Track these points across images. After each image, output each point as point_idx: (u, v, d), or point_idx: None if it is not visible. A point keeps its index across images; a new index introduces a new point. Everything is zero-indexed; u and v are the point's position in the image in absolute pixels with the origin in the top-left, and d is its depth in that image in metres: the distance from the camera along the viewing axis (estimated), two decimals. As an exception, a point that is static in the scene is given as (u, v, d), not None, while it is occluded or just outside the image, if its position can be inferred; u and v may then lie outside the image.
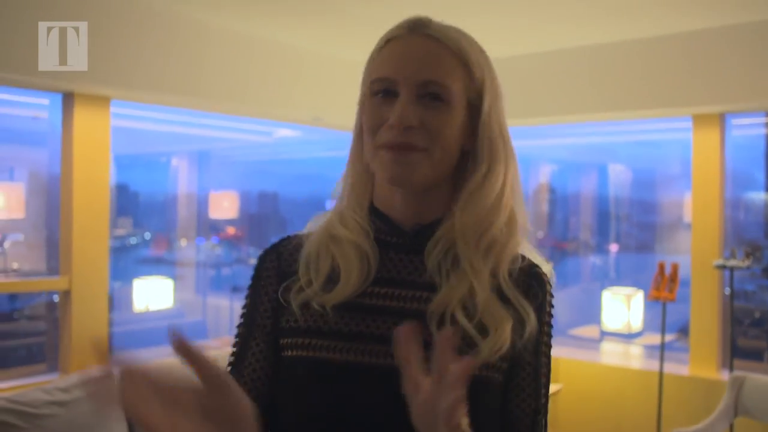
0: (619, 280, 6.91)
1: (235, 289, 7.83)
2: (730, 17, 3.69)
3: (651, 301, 4.22)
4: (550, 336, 1.06)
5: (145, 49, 3.59)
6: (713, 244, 4.01)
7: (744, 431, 3.65)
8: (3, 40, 3.09)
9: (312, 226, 1.09)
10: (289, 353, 1.00)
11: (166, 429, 0.68)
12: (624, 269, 7.22)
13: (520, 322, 0.99)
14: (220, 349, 3.86)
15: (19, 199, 4.04)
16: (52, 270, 3.71)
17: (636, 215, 7.35)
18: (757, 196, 6.86)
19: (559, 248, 7.19)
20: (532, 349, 1.02)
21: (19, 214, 4.09)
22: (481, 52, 1.05)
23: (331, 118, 4.62)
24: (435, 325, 0.96)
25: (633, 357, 4.78)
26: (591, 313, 5.13)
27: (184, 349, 0.72)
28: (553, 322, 1.07)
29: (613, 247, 7.17)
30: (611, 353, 4.76)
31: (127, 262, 7.44)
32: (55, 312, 3.75)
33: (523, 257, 1.06)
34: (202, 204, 6.71)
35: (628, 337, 4.72)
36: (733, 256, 3.83)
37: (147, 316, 5.29)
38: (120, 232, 7.35)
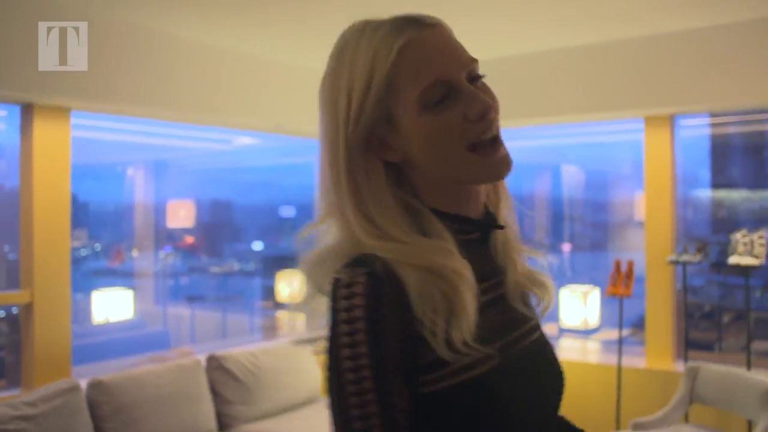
0: (575, 279, 7.07)
1: (190, 299, 7.77)
2: (679, 24, 3.84)
3: (607, 298, 4.35)
4: None
5: (105, 59, 3.56)
6: (666, 241, 4.16)
7: (699, 417, 3.80)
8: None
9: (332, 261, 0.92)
10: (442, 385, 0.86)
11: None
12: (578, 268, 7.38)
13: (547, 275, 1.09)
14: (183, 359, 3.86)
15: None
16: (12, 284, 3.67)
17: (589, 215, 7.52)
18: (703, 194, 7.11)
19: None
20: None
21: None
22: None
23: (292, 124, 4.65)
24: (518, 301, 1.01)
25: (591, 352, 4.91)
26: (548, 310, 5.24)
27: None
28: None
29: (566, 247, 7.32)
30: (570, 349, 4.88)
31: (81, 274, 7.32)
32: (15, 326, 3.70)
33: None
34: (159, 213, 6.66)
35: (585, 333, 4.85)
36: (685, 251, 3.98)
37: (108, 327, 5.23)
38: (74, 243, 7.24)
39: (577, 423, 1.13)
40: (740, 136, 7.84)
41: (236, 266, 8.90)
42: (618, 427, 4.06)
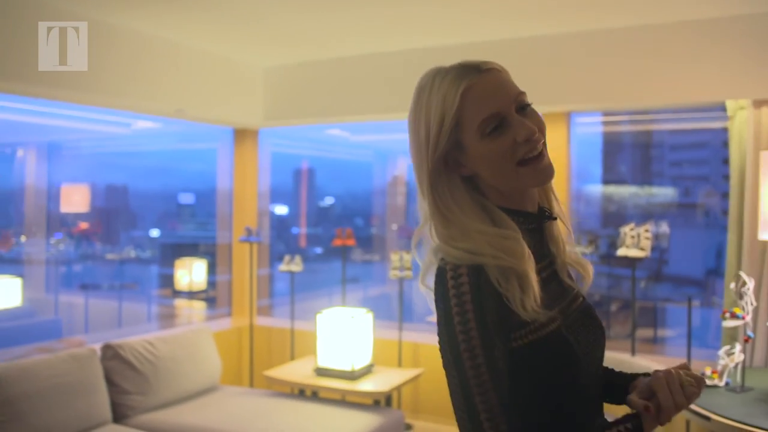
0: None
1: (84, 287, 7.49)
2: (579, 24, 4.00)
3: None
4: None
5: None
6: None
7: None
8: None
9: (432, 261, 1.22)
10: (527, 339, 1.15)
11: None
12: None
13: (586, 259, 1.39)
14: (76, 348, 3.73)
15: None
16: None
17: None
18: (595, 189, 7.44)
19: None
20: None
21: None
22: None
23: (195, 110, 4.56)
24: (565, 276, 1.31)
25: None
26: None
27: None
28: None
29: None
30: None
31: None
32: None
33: None
34: (51, 198, 6.38)
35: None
36: (578, 243, 4.16)
37: (-6, 316, 4.99)
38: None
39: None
40: (630, 135, 8.23)
41: (132, 253, 8.64)
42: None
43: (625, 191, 8.24)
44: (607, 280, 6.61)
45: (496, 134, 1.18)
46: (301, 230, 10.28)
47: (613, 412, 1.36)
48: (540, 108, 1.26)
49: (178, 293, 6.58)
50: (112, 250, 8.53)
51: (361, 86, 4.77)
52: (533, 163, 1.20)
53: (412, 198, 7.84)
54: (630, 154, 8.91)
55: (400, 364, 4.65)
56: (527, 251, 1.18)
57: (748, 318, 3.14)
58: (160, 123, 5.71)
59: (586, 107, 4.30)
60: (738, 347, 3.21)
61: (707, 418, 2.81)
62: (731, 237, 3.80)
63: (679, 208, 8.61)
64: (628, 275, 4.52)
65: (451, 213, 1.21)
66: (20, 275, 5.72)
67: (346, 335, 4.07)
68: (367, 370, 4.16)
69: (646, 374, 1.32)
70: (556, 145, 4.30)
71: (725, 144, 3.93)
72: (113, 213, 9.46)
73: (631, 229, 3.98)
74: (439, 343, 1.16)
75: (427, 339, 4.75)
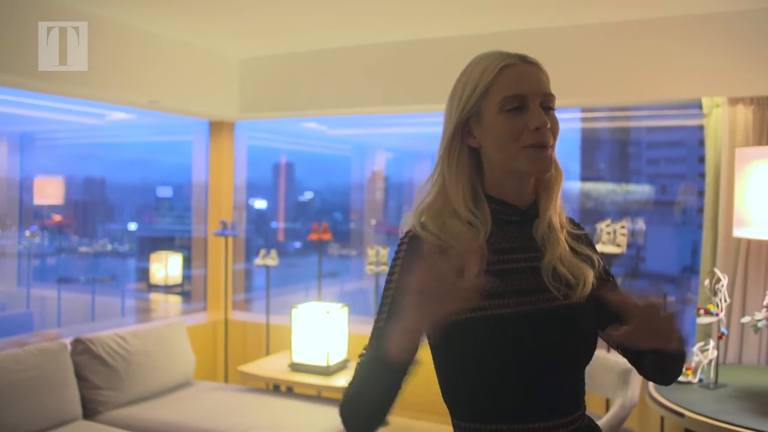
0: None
1: (62, 280, 7.39)
2: (550, 21, 3.99)
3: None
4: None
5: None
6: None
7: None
8: None
9: (408, 223, 1.34)
10: (461, 317, 1.22)
11: None
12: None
13: (590, 264, 1.38)
14: (46, 342, 3.67)
15: None
16: None
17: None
18: (573, 186, 7.47)
19: (393, 234, 7.43)
20: (603, 271, 1.43)
21: None
22: None
23: (169, 102, 4.49)
24: (546, 275, 1.32)
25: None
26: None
27: None
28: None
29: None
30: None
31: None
32: None
33: (570, 221, 1.44)
34: (24, 190, 6.28)
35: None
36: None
37: (-38, 310, 4.90)
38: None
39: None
40: (608, 132, 8.27)
41: (107, 246, 8.54)
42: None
43: (603, 188, 8.28)
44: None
45: (513, 113, 1.27)
46: (280, 225, 10.24)
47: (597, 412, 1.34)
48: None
49: (153, 287, 6.52)
50: (86, 243, 8.43)
51: (338, 79, 4.73)
52: (536, 149, 1.27)
53: (390, 193, 7.82)
54: (608, 151, 8.96)
55: (376, 360, 4.62)
56: (480, 243, 1.27)
57: (722, 315, 3.15)
58: (135, 114, 5.64)
59: (561, 103, 4.28)
60: (712, 344, 3.23)
61: (681, 415, 2.82)
62: (706, 234, 3.81)
63: (656, 206, 8.68)
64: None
65: (449, 174, 1.32)
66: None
67: (321, 330, 4.04)
68: (342, 366, 4.14)
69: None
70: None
71: (702, 142, 3.94)
72: (90, 206, 9.36)
73: (607, 226, 3.99)
74: None
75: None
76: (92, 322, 6.46)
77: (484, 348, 1.25)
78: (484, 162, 1.34)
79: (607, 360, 3.55)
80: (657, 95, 3.97)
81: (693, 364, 3.24)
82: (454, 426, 1.34)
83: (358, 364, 1.30)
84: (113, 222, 10.06)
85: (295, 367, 4.10)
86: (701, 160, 4.09)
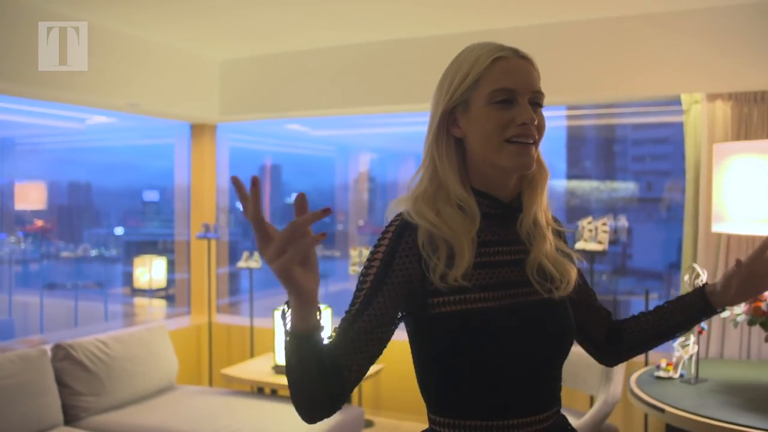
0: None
1: (50, 286, 7.34)
2: (531, 18, 3.99)
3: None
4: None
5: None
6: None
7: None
8: None
9: (396, 210, 1.32)
10: (443, 309, 1.24)
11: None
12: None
13: (571, 261, 1.40)
14: (25, 349, 3.64)
15: None
16: None
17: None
18: (559, 184, 7.47)
19: (379, 234, 7.39)
20: (579, 274, 1.44)
21: None
22: None
23: (149, 104, 4.47)
24: (531, 270, 1.32)
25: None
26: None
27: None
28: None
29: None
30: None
31: None
32: None
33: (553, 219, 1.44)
34: (5, 195, 6.22)
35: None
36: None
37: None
38: None
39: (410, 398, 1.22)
40: (593, 130, 8.28)
41: (91, 251, 8.49)
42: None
43: (589, 186, 8.29)
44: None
45: (500, 106, 1.25)
46: (266, 227, 10.18)
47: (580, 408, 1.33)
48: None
49: (137, 291, 6.48)
50: (69, 248, 8.37)
51: (319, 80, 4.72)
52: (520, 146, 1.26)
53: (376, 194, 7.81)
54: (594, 149, 8.97)
55: (361, 361, 4.60)
56: (473, 230, 1.27)
57: (702, 310, 3.14)
58: (115, 118, 5.60)
59: (546, 101, 4.28)
60: (692, 339, 3.23)
61: (661, 410, 2.82)
62: (687, 230, 3.82)
63: (642, 203, 8.70)
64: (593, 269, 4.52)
65: (440, 159, 1.31)
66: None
67: (304, 332, 4.02)
68: (326, 367, 4.11)
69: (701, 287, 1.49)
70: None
71: (685, 139, 3.95)
72: (76, 210, 9.30)
73: (589, 223, 3.99)
74: None
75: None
76: (75, 327, 6.41)
77: (464, 341, 1.23)
78: (468, 153, 1.32)
79: (589, 357, 3.56)
80: (637, 92, 3.98)
81: (674, 360, 3.25)
82: (430, 420, 1.33)
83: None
84: (99, 227, 10.00)
85: (279, 370, 4.09)
86: (683, 156, 4.10)
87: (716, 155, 3.35)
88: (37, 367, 3.51)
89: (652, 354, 3.82)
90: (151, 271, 6.30)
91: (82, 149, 8.05)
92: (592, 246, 3.95)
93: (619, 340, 1.53)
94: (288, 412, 3.80)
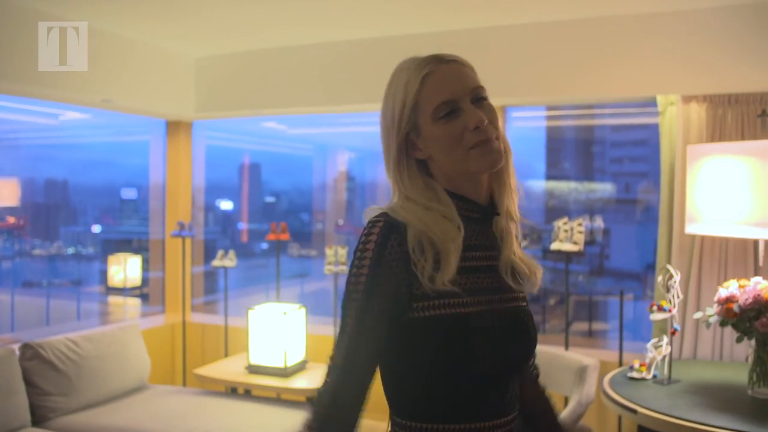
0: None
1: (27, 284, 7.24)
2: (509, 18, 3.98)
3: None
4: None
5: None
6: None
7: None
8: None
9: (374, 213, 1.30)
10: (426, 314, 1.23)
11: None
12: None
13: (538, 265, 1.40)
14: (1, 347, 3.58)
15: None
16: None
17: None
18: (538, 185, 7.49)
19: (358, 234, 7.37)
20: None
21: None
22: None
23: (121, 100, 4.41)
24: (505, 272, 1.32)
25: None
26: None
27: None
28: None
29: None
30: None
31: None
32: None
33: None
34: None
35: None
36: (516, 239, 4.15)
37: None
38: None
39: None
40: (572, 132, 8.32)
41: (68, 249, 8.39)
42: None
43: (567, 187, 8.33)
44: (548, 275, 6.67)
45: (447, 119, 1.25)
46: (244, 226, 10.15)
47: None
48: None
49: (112, 290, 6.41)
50: (43, 246, 8.27)
51: (296, 78, 4.68)
52: (482, 146, 1.25)
53: (356, 194, 7.78)
54: (572, 150, 9.01)
55: (336, 361, 4.58)
56: (459, 235, 1.26)
57: (675, 311, 3.16)
58: (89, 114, 5.53)
59: (520, 101, 4.29)
60: (665, 340, 3.24)
61: (634, 411, 2.82)
62: (662, 231, 3.83)
63: (619, 204, 8.75)
64: (569, 270, 4.52)
65: (407, 190, 1.30)
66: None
67: (278, 331, 3.99)
68: (300, 367, 4.09)
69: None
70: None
71: (662, 140, 3.96)
72: (52, 208, 9.20)
73: (565, 224, 3.99)
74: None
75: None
76: (47, 326, 6.33)
77: (438, 347, 1.23)
78: (434, 170, 1.32)
79: (563, 358, 3.55)
80: (614, 93, 3.98)
81: (647, 360, 3.25)
82: (392, 422, 1.32)
83: (327, 368, 1.25)
84: (77, 224, 9.90)
85: (252, 369, 4.05)
86: (658, 157, 4.11)
87: (690, 156, 3.36)
88: (4, 366, 3.45)
89: (626, 355, 3.83)
90: (125, 269, 6.23)
91: (56, 146, 7.95)
92: (568, 246, 3.95)
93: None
94: (260, 412, 3.77)
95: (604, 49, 3.90)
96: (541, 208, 7.25)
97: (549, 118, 5.79)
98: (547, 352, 3.70)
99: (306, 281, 7.43)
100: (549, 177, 8.35)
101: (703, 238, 3.65)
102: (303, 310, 4.15)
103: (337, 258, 4.51)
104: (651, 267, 7.32)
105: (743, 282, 2.94)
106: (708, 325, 3.01)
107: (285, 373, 3.96)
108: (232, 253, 4.81)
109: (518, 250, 1.36)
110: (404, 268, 1.22)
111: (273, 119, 6.04)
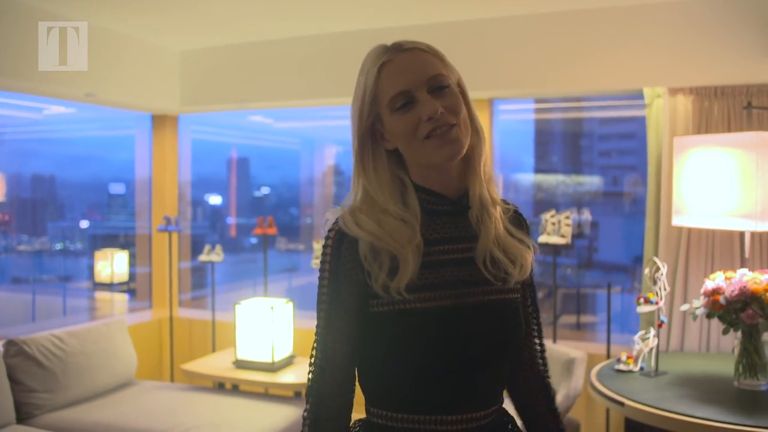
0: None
1: (14, 281, 7.17)
2: (495, 10, 3.97)
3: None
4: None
5: None
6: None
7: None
8: None
9: (332, 219, 1.30)
10: (381, 309, 1.25)
11: None
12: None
13: (527, 247, 1.36)
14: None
15: None
16: None
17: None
18: (527, 178, 7.48)
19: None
20: (530, 271, 1.39)
21: None
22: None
23: (106, 94, 4.37)
24: (482, 263, 1.29)
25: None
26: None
27: None
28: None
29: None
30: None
31: None
32: None
33: (504, 201, 1.39)
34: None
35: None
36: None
37: None
38: None
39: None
40: (560, 125, 8.32)
41: (55, 245, 8.34)
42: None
43: (555, 180, 8.33)
44: (537, 268, 6.66)
45: (404, 110, 1.24)
46: (233, 220, 10.11)
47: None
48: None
49: (99, 285, 6.37)
50: (29, 241, 8.21)
51: (281, 71, 4.65)
52: (438, 137, 1.23)
53: (344, 188, 7.75)
54: (561, 143, 9.01)
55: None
56: (417, 238, 1.25)
57: (661, 303, 3.16)
58: (74, 108, 5.48)
59: (507, 94, 4.28)
60: (652, 332, 3.24)
61: (621, 404, 2.82)
62: (649, 223, 3.83)
63: (608, 197, 8.76)
64: (558, 262, 4.53)
65: (370, 183, 1.29)
66: None
67: (265, 326, 3.97)
68: (287, 362, 4.07)
69: None
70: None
71: (649, 133, 3.96)
72: (39, 203, 9.13)
73: (552, 216, 3.99)
74: None
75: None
76: (33, 322, 6.28)
77: (405, 341, 1.24)
78: (405, 160, 1.32)
79: (551, 351, 3.55)
80: (601, 85, 3.98)
81: (634, 353, 3.26)
82: (367, 411, 1.33)
83: (309, 364, 1.30)
84: (64, 220, 9.83)
85: (240, 364, 4.03)
86: (645, 150, 4.11)
87: (676, 149, 3.36)
88: (-12, 363, 3.42)
89: (614, 347, 3.84)
90: (112, 264, 6.19)
91: (41, 140, 7.88)
92: (555, 239, 3.95)
93: (513, 390, 1.51)
94: (248, 406, 3.76)
95: (591, 41, 3.90)
96: (529, 201, 7.25)
97: (537, 111, 5.79)
98: (534, 345, 3.71)
99: (294, 275, 7.41)
100: (537, 170, 8.35)
101: (689, 230, 3.65)
102: (290, 305, 4.13)
103: (324, 252, 4.49)
104: (639, 259, 7.34)
105: (729, 274, 2.94)
106: (695, 317, 3.01)
107: (272, 368, 3.95)
108: (219, 247, 4.78)
109: (503, 237, 1.33)
110: (360, 270, 1.25)
111: (259, 113, 6.00)
